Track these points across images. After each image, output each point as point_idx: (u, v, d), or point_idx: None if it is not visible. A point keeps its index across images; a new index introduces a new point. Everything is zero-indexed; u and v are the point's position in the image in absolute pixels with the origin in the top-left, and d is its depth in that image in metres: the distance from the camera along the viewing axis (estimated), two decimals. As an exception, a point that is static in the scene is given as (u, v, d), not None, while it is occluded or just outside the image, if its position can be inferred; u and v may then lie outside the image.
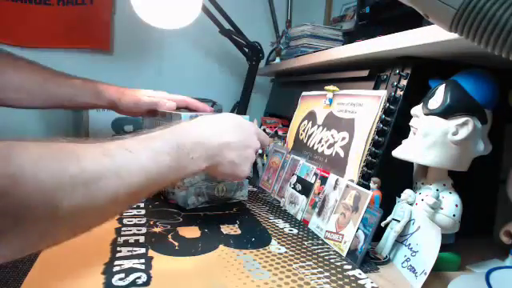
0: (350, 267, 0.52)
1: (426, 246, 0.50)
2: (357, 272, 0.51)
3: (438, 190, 0.55)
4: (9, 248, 0.31)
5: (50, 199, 0.32)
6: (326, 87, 0.80)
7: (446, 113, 0.52)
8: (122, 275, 0.45)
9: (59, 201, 0.33)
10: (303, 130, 0.89)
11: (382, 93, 0.66)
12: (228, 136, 0.57)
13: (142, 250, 0.52)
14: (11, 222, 0.30)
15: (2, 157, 0.30)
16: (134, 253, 0.51)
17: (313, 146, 0.82)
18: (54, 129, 1.29)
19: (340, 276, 0.49)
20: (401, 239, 0.55)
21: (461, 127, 0.51)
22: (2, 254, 0.32)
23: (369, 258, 0.55)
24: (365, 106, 0.69)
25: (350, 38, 1.12)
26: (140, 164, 0.43)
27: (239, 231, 0.63)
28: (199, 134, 0.54)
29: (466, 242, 0.56)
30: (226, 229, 0.63)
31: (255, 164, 1.00)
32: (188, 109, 0.86)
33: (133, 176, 0.41)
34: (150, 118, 0.89)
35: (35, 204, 0.31)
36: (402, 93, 0.63)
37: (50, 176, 0.32)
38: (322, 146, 0.78)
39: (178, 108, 0.83)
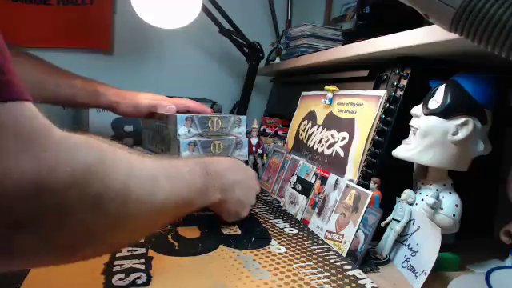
0: (350, 267, 0.52)
1: (426, 246, 0.50)
2: (357, 272, 0.50)
3: (438, 190, 0.55)
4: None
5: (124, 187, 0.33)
6: (326, 87, 0.80)
7: (445, 113, 0.52)
8: (122, 275, 0.45)
9: (132, 189, 0.34)
10: (303, 130, 0.89)
11: (382, 93, 0.66)
12: (239, 175, 0.61)
13: (142, 250, 0.52)
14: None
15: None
16: (134, 253, 0.51)
17: (313, 146, 0.82)
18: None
19: (340, 276, 0.49)
20: (401, 239, 0.55)
21: (461, 127, 0.51)
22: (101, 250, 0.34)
23: (369, 258, 0.55)
24: (365, 106, 0.69)
25: (350, 37, 1.11)
26: (184, 178, 0.45)
27: (239, 231, 0.63)
28: (220, 167, 0.58)
29: (466, 242, 0.56)
30: (226, 229, 0.63)
31: (255, 164, 1.00)
32: (188, 112, 0.84)
33: (179, 187, 0.43)
34: (148, 119, 0.89)
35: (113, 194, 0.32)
36: (401, 93, 0.63)
37: (124, 166, 0.34)
38: (322, 146, 0.78)
39: (178, 112, 0.82)
